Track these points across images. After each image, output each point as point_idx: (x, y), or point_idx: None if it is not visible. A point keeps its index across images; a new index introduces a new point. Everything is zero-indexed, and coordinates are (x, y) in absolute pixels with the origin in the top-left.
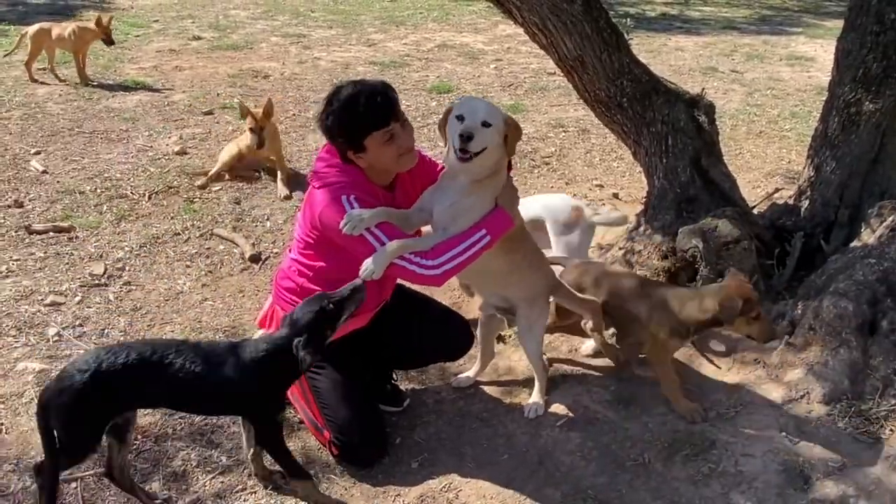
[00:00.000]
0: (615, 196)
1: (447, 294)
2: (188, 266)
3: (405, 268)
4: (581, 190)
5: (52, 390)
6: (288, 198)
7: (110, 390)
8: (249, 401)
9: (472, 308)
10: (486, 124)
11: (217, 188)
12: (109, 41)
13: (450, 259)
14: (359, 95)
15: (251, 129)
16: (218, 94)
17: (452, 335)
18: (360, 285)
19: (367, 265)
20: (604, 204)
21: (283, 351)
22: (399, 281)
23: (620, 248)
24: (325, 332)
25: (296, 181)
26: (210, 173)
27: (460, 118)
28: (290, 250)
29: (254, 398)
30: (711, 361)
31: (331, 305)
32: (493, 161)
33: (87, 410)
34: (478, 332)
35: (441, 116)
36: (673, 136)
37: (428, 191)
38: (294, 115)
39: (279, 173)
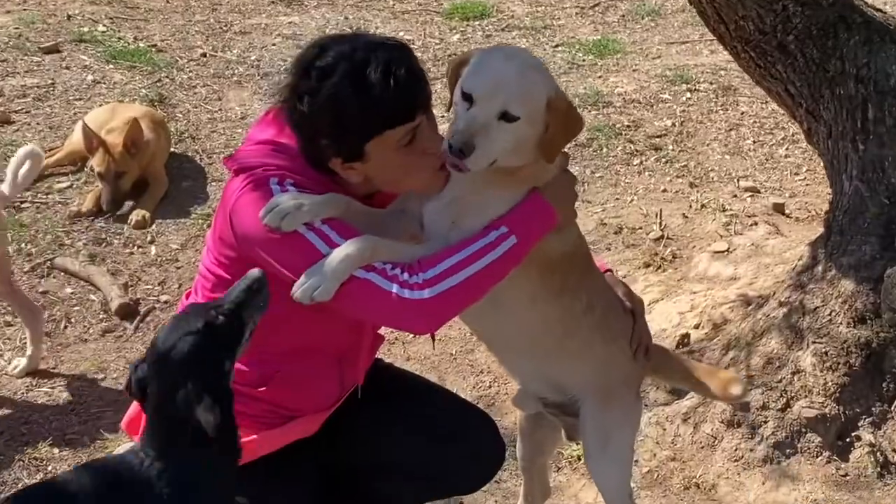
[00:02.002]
0: (778, 210)
1: (460, 372)
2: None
3: (372, 284)
4: (720, 196)
5: None
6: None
7: None
8: None
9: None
10: (507, 117)
11: (63, 184)
12: None
13: (448, 271)
14: (365, 70)
15: (100, 176)
16: (69, 18)
17: (468, 448)
18: (258, 276)
19: (305, 279)
20: (756, 224)
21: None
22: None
23: (782, 304)
24: (221, 367)
25: (210, 177)
26: (51, 159)
27: (468, 98)
28: (188, 295)
29: None
30: None
31: (221, 317)
32: (521, 161)
33: None
34: (517, 446)
35: (449, 67)
36: (876, 104)
37: None
38: (205, 55)
39: (151, 189)
